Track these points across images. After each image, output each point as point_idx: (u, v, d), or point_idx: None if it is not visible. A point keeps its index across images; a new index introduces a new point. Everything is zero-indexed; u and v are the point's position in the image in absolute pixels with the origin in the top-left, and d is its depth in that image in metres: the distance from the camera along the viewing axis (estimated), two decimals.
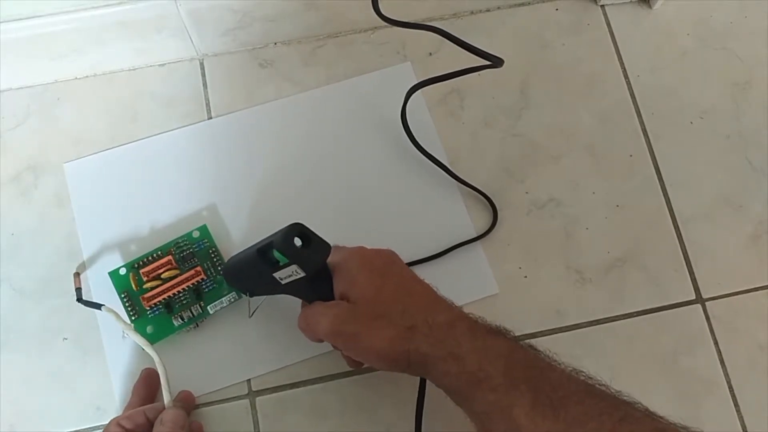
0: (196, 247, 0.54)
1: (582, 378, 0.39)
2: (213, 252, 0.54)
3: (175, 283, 0.52)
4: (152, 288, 0.52)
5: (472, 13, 0.64)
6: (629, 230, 0.57)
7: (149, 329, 0.52)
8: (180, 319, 0.52)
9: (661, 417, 0.37)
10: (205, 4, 0.56)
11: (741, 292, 0.56)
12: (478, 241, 0.56)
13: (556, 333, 0.54)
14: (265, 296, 0.52)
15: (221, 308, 0.53)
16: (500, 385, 0.37)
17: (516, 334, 0.53)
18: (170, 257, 0.53)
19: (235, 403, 0.52)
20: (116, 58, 0.60)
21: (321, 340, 0.46)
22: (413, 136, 0.56)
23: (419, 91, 0.55)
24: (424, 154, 0.56)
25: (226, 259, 0.54)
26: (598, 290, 0.55)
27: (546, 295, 0.55)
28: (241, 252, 0.50)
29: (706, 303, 0.55)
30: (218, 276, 0.53)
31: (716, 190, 0.59)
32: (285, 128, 0.59)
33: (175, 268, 0.53)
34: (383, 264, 0.45)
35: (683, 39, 0.63)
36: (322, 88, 0.61)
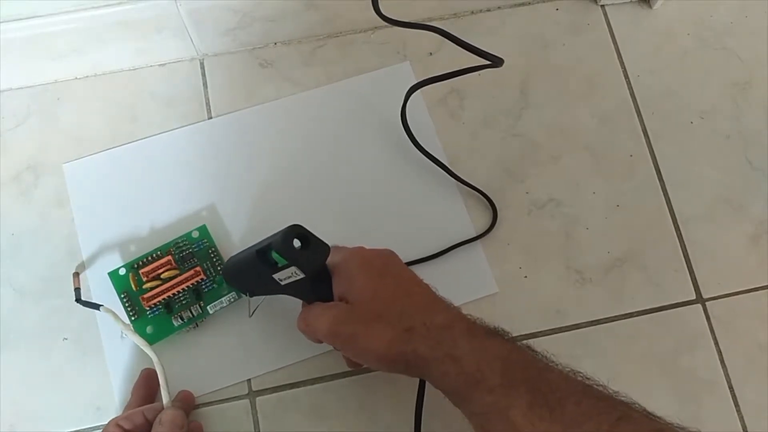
0: (195, 247, 0.54)
1: (580, 378, 0.39)
2: (212, 252, 0.54)
3: (175, 284, 0.52)
4: (152, 288, 0.52)
5: (472, 13, 0.64)
6: (629, 230, 0.57)
7: (149, 329, 0.52)
8: (180, 319, 0.52)
9: (658, 417, 0.37)
10: (205, 4, 0.56)
11: (741, 292, 0.56)
12: (478, 241, 0.56)
13: (556, 333, 0.54)
14: (265, 296, 0.52)
15: (221, 308, 0.53)
16: (498, 387, 0.37)
17: (516, 334, 0.53)
18: (170, 257, 0.53)
19: (235, 403, 0.52)
20: (116, 58, 0.60)
21: (321, 341, 0.46)
22: (413, 136, 0.56)
23: (419, 91, 0.55)
24: (423, 154, 0.56)
25: (225, 259, 0.54)
26: (598, 290, 0.55)
27: (546, 295, 0.55)
28: (241, 252, 0.50)
29: (706, 303, 0.55)
30: (218, 276, 0.53)
31: (716, 190, 0.59)
32: (285, 128, 0.59)
33: (174, 269, 0.53)
34: (382, 264, 0.45)
35: (683, 39, 0.63)
36: (322, 88, 0.61)
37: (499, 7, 0.64)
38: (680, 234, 0.57)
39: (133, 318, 0.52)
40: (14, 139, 0.59)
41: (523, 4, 0.64)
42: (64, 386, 0.52)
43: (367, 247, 0.47)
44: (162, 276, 0.52)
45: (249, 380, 0.53)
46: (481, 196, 0.57)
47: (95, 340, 0.53)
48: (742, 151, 0.60)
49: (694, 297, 0.56)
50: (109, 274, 0.53)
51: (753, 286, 0.56)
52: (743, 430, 0.52)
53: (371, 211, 0.57)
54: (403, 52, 0.62)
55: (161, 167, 0.58)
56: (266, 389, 0.53)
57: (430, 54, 0.62)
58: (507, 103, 0.61)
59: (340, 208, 0.57)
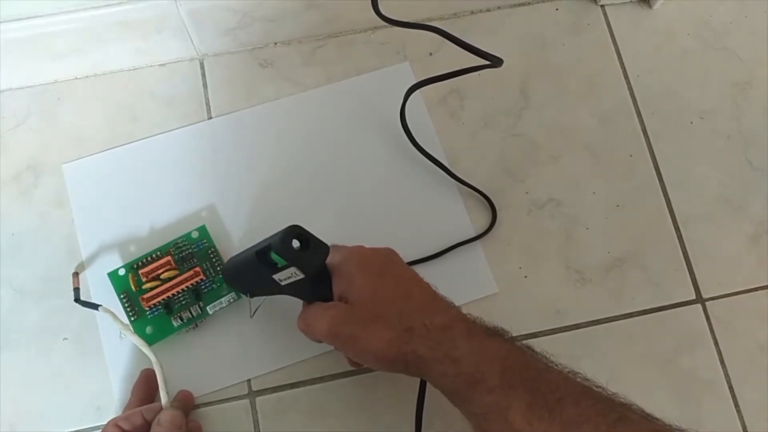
0: (195, 248, 0.54)
1: (579, 379, 0.39)
2: (212, 252, 0.54)
3: (175, 284, 0.52)
4: (151, 288, 0.52)
5: (472, 13, 0.64)
6: (629, 230, 0.57)
7: (149, 330, 0.52)
8: (179, 320, 0.52)
9: (657, 419, 0.37)
10: (205, 4, 0.56)
11: (741, 292, 0.56)
12: (478, 241, 0.56)
13: (556, 333, 0.54)
14: (265, 297, 0.52)
15: (220, 308, 0.53)
16: (496, 387, 0.37)
17: (516, 334, 0.53)
18: (169, 258, 0.53)
19: (235, 403, 0.52)
20: (116, 58, 0.60)
21: (321, 341, 0.46)
22: (412, 136, 0.56)
23: (418, 91, 0.55)
24: (423, 154, 0.56)
25: (225, 260, 0.54)
26: (598, 290, 0.55)
27: (546, 295, 0.55)
28: (240, 253, 0.50)
29: (706, 303, 0.55)
30: (217, 276, 0.53)
31: (716, 190, 0.59)
32: (285, 128, 0.59)
33: (174, 269, 0.52)
34: (381, 264, 0.45)
35: (683, 39, 0.63)
36: (322, 88, 0.61)
37: (499, 7, 0.64)
38: (680, 234, 0.57)
39: (132, 318, 0.52)
40: (14, 139, 0.59)
41: (523, 4, 0.64)
42: (64, 386, 0.52)
43: (367, 246, 0.47)
44: (161, 276, 0.52)
45: (249, 380, 0.53)
46: (480, 196, 0.57)
47: (95, 340, 0.53)
48: (742, 151, 0.60)
49: (694, 297, 0.56)
50: (108, 274, 0.53)
51: (753, 286, 0.56)
52: (743, 430, 0.52)
53: (371, 211, 0.57)
54: (403, 53, 0.62)
55: (161, 167, 0.58)
56: (266, 389, 0.53)
57: (430, 54, 0.62)
58: (507, 103, 0.61)
59: (340, 208, 0.57)
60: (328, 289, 0.45)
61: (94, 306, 0.51)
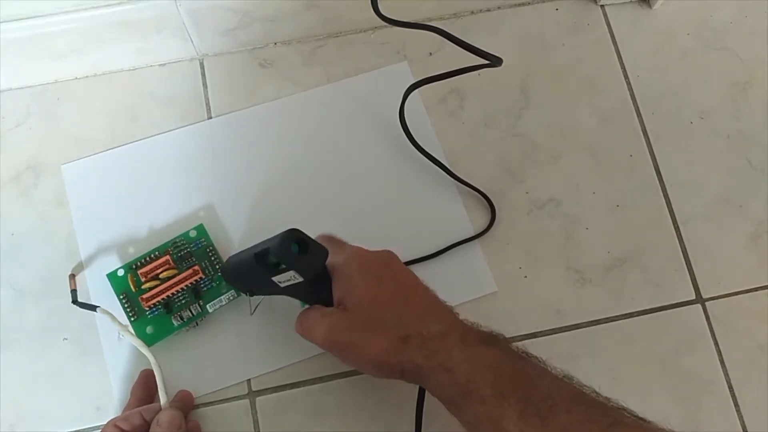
0: (193, 247, 0.54)
1: (573, 385, 0.39)
2: (210, 251, 0.54)
3: (174, 283, 0.52)
4: (151, 288, 0.51)
5: (472, 13, 0.64)
6: (629, 230, 0.57)
7: (149, 330, 0.52)
8: (179, 319, 0.52)
9: (650, 422, 0.38)
10: (205, 4, 0.56)
11: (741, 292, 0.56)
12: (477, 240, 0.56)
13: (556, 333, 0.54)
14: (264, 296, 0.52)
15: (220, 306, 0.53)
16: (489, 396, 0.38)
17: (515, 334, 0.53)
18: (168, 257, 0.53)
19: (235, 403, 0.52)
20: (116, 58, 0.60)
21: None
22: (411, 135, 0.56)
23: (417, 91, 0.55)
24: (422, 153, 0.56)
25: (223, 258, 0.54)
26: (598, 290, 0.55)
27: (546, 295, 0.55)
28: (240, 252, 0.50)
29: (706, 303, 0.55)
30: (216, 275, 0.53)
31: (716, 190, 0.59)
32: (285, 128, 0.59)
33: (173, 268, 0.52)
34: (381, 267, 0.45)
35: (683, 39, 0.63)
36: (321, 88, 0.61)
37: (499, 7, 0.64)
38: (680, 234, 0.57)
39: (132, 319, 0.52)
40: (14, 139, 0.59)
41: (523, 4, 0.64)
42: (64, 386, 0.52)
43: (367, 247, 0.47)
44: (160, 276, 0.52)
45: (249, 380, 0.53)
46: (480, 195, 0.57)
47: (95, 340, 0.53)
48: (742, 151, 0.60)
49: (693, 297, 0.56)
50: (107, 275, 0.53)
51: (753, 286, 0.56)
52: (743, 430, 0.52)
53: (370, 210, 0.57)
54: (403, 53, 0.62)
55: (160, 167, 0.58)
56: (266, 389, 0.53)
57: (430, 54, 0.62)
58: (507, 103, 0.61)
59: (339, 207, 0.57)
60: (328, 291, 0.45)
61: (92, 307, 0.51)
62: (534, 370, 0.40)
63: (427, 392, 0.47)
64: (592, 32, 0.63)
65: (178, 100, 0.60)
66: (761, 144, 0.60)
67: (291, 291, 0.46)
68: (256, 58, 0.62)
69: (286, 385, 0.53)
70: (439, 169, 0.57)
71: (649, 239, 0.57)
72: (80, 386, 0.52)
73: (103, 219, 0.56)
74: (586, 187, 0.58)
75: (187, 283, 0.52)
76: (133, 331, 0.51)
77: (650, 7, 0.64)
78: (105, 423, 0.46)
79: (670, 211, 0.58)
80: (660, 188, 0.59)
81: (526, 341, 0.53)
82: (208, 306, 0.52)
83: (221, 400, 0.52)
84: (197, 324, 0.53)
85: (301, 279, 0.43)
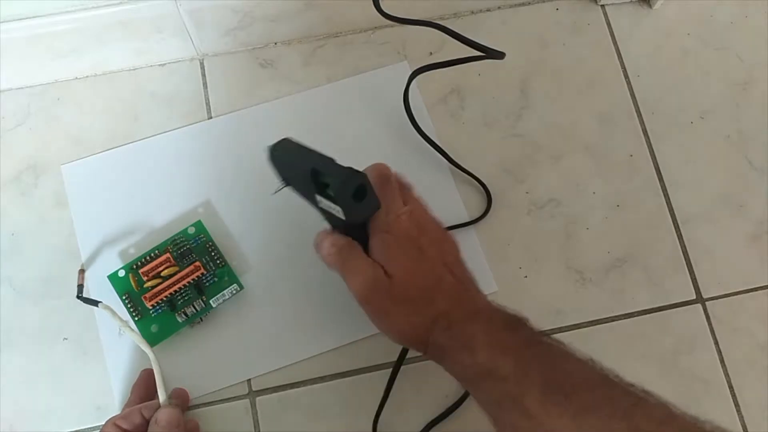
0: (193, 243, 0.54)
1: (596, 368, 0.39)
2: (210, 246, 0.54)
3: (176, 280, 0.52)
4: (153, 287, 0.52)
5: (472, 12, 0.64)
6: (629, 230, 0.57)
7: (154, 328, 0.52)
8: (184, 315, 0.52)
9: (675, 405, 0.38)
10: (205, 4, 0.56)
11: (741, 292, 0.56)
12: (476, 240, 0.56)
13: (556, 333, 0.54)
14: (287, 187, 0.49)
15: (224, 301, 0.53)
16: (510, 375, 0.38)
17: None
18: (168, 255, 0.53)
19: (235, 403, 0.52)
20: (116, 58, 0.60)
21: (333, 268, 0.45)
22: (415, 121, 0.56)
23: (418, 91, 0.55)
24: (425, 139, 0.57)
25: (224, 253, 0.54)
26: (598, 290, 0.55)
27: (546, 295, 0.55)
28: (300, 147, 0.47)
29: (706, 303, 0.55)
30: (218, 270, 0.53)
31: (716, 190, 0.59)
32: (285, 128, 0.59)
33: (174, 266, 0.53)
34: (430, 241, 0.44)
35: (683, 39, 0.63)
36: (320, 88, 0.61)
37: (499, 7, 0.64)
38: (680, 234, 0.57)
39: (136, 318, 0.52)
40: (14, 139, 0.59)
41: (523, 4, 0.64)
42: (64, 386, 0.52)
43: (423, 207, 0.46)
44: (162, 274, 0.52)
45: (249, 380, 0.53)
46: (480, 186, 0.57)
47: (95, 340, 0.53)
48: (742, 151, 0.60)
49: (694, 297, 0.56)
50: (108, 277, 0.53)
51: (753, 286, 0.56)
52: (743, 430, 0.52)
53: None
54: (404, 52, 0.62)
55: (160, 167, 0.58)
56: (266, 389, 0.53)
57: (431, 54, 0.62)
58: (507, 103, 0.61)
59: None
60: (362, 235, 0.45)
61: (95, 303, 0.50)
62: (557, 352, 0.40)
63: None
64: (593, 32, 0.63)
65: (178, 100, 0.60)
66: (761, 144, 0.60)
67: (325, 215, 0.46)
68: (256, 58, 0.62)
69: (286, 385, 0.53)
70: (440, 166, 0.57)
71: (649, 239, 0.57)
72: (80, 386, 0.52)
73: (103, 219, 0.56)
74: (586, 187, 0.58)
75: (189, 279, 0.52)
76: (134, 327, 0.51)
77: (650, 7, 0.64)
78: (105, 422, 0.46)
79: (670, 211, 0.58)
80: (660, 188, 0.59)
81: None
82: (211, 301, 0.52)
83: (221, 400, 0.52)
84: (201, 320, 0.53)
85: (342, 218, 0.43)
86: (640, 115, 0.61)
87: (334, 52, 0.62)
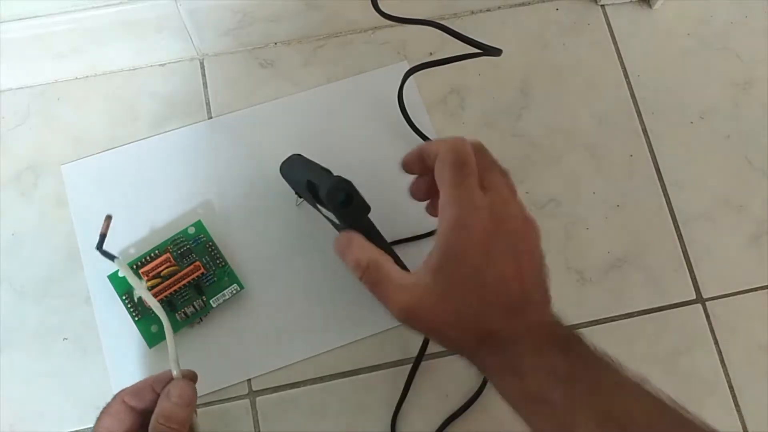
0: (192, 243, 0.54)
1: (650, 394, 0.37)
2: (210, 246, 0.54)
3: (176, 280, 0.52)
4: (153, 287, 0.52)
5: (472, 12, 0.64)
6: (629, 230, 0.57)
7: (154, 329, 0.52)
8: (184, 315, 0.52)
9: None
10: (205, 4, 0.56)
11: (741, 292, 0.56)
12: None
13: None
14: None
15: (224, 301, 0.53)
16: (561, 406, 0.35)
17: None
18: (168, 254, 0.53)
19: (235, 403, 0.52)
20: (116, 58, 0.60)
21: (356, 272, 0.40)
22: (410, 119, 0.56)
23: (417, 91, 0.55)
24: (423, 139, 0.57)
25: (224, 253, 0.54)
26: (598, 290, 0.55)
27: None
28: (307, 160, 0.52)
29: (706, 303, 0.55)
30: (218, 270, 0.53)
31: (716, 190, 0.59)
32: (285, 128, 0.59)
33: (174, 266, 0.52)
34: (504, 238, 0.38)
35: (683, 39, 0.63)
36: (320, 88, 0.61)
37: (499, 7, 0.64)
38: (680, 234, 0.57)
39: (136, 318, 0.52)
40: (14, 139, 0.59)
41: (523, 4, 0.64)
42: (64, 386, 0.52)
43: (518, 202, 0.40)
44: (162, 274, 0.52)
45: (249, 380, 0.53)
46: None
47: (95, 340, 0.53)
48: (742, 151, 0.60)
49: (694, 297, 0.56)
50: (108, 277, 0.53)
51: (753, 286, 0.56)
52: (743, 430, 0.52)
53: (371, 212, 0.57)
54: (404, 52, 0.62)
55: (160, 167, 0.58)
56: (266, 389, 0.52)
57: (430, 54, 0.62)
58: (507, 103, 0.61)
59: None
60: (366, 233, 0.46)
61: (111, 257, 0.49)
62: (611, 378, 0.37)
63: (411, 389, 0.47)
64: (593, 32, 0.63)
65: (178, 100, 0.60)
66: (761, 144, 0.60)
67: (330, 221, 0.48)
68: (256, 58, 0.62)
69: (286, 385, 0.53)
70: None
71: (649, 239, 0.57)
72: (80, 386, 0.52)
73: (103, 219, 0.56)
74: (586, 187, 0.58)
75: (189, 279, 0.52)
76: (147, 294, 0.49)
77: (650, 7, 0.64)
78: (113, 397, 0.43)
79: (670, 211, 0.58)
80: (660, 188, 0.59)
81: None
82: (211, 301, 0.52)
83: (221, 400, 0.52)
84: (201, 320, 0.53)
85: (338, 222, 0.46)
86: (640, 115, 0.61)
87: (334, 52, 0.62)
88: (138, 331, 0.52)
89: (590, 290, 0.55)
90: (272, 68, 0.61)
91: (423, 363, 0.52)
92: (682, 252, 0.57)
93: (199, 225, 0.55)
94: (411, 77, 0.55)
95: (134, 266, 0.53)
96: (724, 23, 0.64)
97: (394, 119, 0.57)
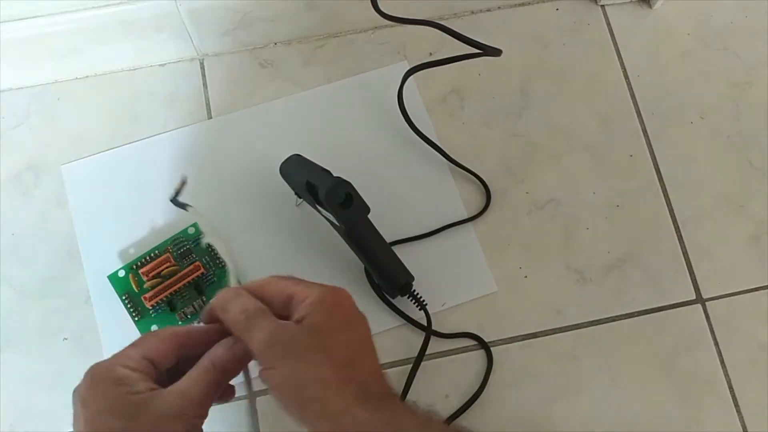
0: (192, 243, 0.54)
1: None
2: (210, 246, 0.54)
3: (176, 280, 0.52)
4: (153, 287, 0.52)
5: (472, 12, 0.64)
6: (629, 230, 0.57)
7: (153, 328, 0.52)
8: (183, 316, 0.52)
9: None
10: (205, 4, 0.56)
11: (741, 292, 0.56)
12: (476, 241, 0.56)
13: (556, 333, 0.54)
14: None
15: None
16: None
17: (516, 334, 0.53)
18: (168, 254, 0.53)
19: (235, 403, 0.52)
20: (116, 58, 0.60)
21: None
22: (410, 119, 0.56)
23: (417, 92, 0.55)
24: (422, 138, 0.57)
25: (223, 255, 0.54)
26: (598, 290, 0.55)
27: (546, 295, 0.55)
28: (306, 161, 0.53)
29: (706, 303, 0.55)
30: (218, 270, 0.53)
31: (716, 190, 0.59)
32: (285, 128, 0.59)
33: (174, 266, 0.52)
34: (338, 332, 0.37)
35: (683, 39, 0.63)
36: (320, 88, 0.61)
37: (499, 7, 0.64)
38: (680, 234, 0.57)
39: (136, 319, 0.52)
40: (14, 139, 0.59)
41: (523, 4, 0.64)
42: (64, 386, 0.52)
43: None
44: (162, 273, 0.52)
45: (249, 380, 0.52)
46: (479, 183, 0.57)
47: (95, 340, 0.53)
48: (742, 151, 0.60)
49: (694, 297, 0.56)
50: (108, 277, 0.53)
51: (753, 286, 0.56)
52: (743, 430, 0.52)
53: (371, 211, 0.57)
54: (403, 52, 0.62)
55: (160, 167, 0.58)
56: (266, 389, 0.52)
57: (430, 54, 0.62)
58: (507, 103, 0.61)
59: None
60: (358, 239, 0.50)
61: (184, 206, 0.52)
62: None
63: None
64: (593, 32, 0.63)
65: (178, 100, 0.60)
66: (761, 144, 0.60)
67: (330, 221, 0.49)
68: (256, 58, 0.62)
69: None
70: (440, 165, 0.57)
71: (649, 239, 0.57)
72: None
73: (103, 219, 0.56)
74: (586, 187, 0.58)
75: (188, 279, 0.52)
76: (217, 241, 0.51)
77: (650, 7, 0.64)
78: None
79: (670, 211, 0.58)
80: (660, 188, 0.59)
81: (526, 341, 0.53)
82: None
83: (221, 400, 0.52)
84: (200, 321, 0.53)
85: (337, 223, 0.47)
86: (640, 115, 0.61)
87: (334, 52, 0.62)
88: (138, 331, 0.52)
89: (590, 290, 0.55)
90: (272, 68, 0.61)
91: (423, 363, 0.52)
92: (682, 252, 0.57)
93: (198, 225, 0.55)
94: (411, 77, 0.55)
95: (134, 266, 0.53)
96: (724, 23, 0.64)
97: (394, 119, 0.57)
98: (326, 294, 0.38)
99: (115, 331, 0.53)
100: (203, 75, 0.61)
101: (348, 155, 0.58)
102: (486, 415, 0.51)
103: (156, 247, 0.54)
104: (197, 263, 0.53)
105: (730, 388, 0.53)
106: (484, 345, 0.53)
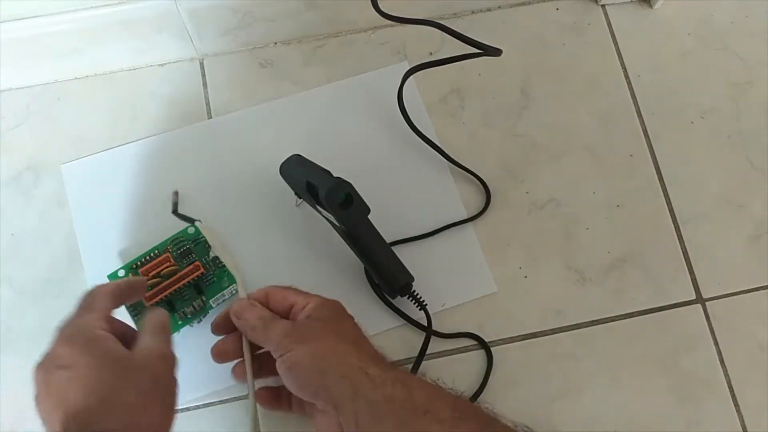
0: (192, 243, 0.54)
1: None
2: (209, 247, 0.54)
3: (175, 280, 0.52)
4: (153, 287, 0.51)
5: (472, 12, 0.64)
6: (629, 230, 0.57)
7: None
8: (183, 315, 0.52)
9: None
10: (205, 4, 0.56)
11: (741, 292, 0.56)
12: (475, 237, 0.56)
13: (556, 333, 0.54)
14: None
15: (223, 301, 0.53)
16: (448, 418, 0.37)
17: (515, 334, 0.53)
18: (168, 254, 0.53)
19: (235, 403, 0.52)
20: (116, 58, 0.60)
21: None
22: (410, 119, 0.56)
23: (417, 92, 0.55)
24: (422, 138, 0.57)
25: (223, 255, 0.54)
26: (598, 290, 0.55)
27: (546, 295, 0.55)
28: (305, 160, 0.53)
29: (706, 303, 0.55)
30: (218, 270, 0.53)
31: (716, 190, 0.59)
32: (285, 128, 0.59)
33: (174, 265, 0.52)
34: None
35: (683, 39, 0.63)
36: (321, 88, 0.61)
37: (499, 7, 0.64)
38: (680, 234, 0.57)
39: (136, 319, 0.52)
40: (14, 139, 0.59)
41: (523, 4, 0.64)
42: None
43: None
44: (162, 273, 0.52)
45: None
46: (479, 183, 0.57)
47: None
48: (742, 151, 0.60)
49: (694, 297, 0.56)
50: (108, 276, 0.53)
51: (753, 286, 0.56)
52: (743, 430, 0.52)
53: (371, 213, 0.57)
54: (403, 52, 0.62)
55: (160, 167, 0.58)
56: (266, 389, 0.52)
57: (430, 54, 0.62)
58: (507, 103, 0.61)
59: None
60: (359, 239, 0.50)
61: (191, 220, 0.53)
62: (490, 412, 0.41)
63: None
64: (593, 32, 0.63)
65: (178, 100, 0.60)
66: (761, 144, 0.60)
67: (330, 221, 0.50)
68: (256, 58, 0.62)
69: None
70: (440, 165, 0.57)
71: (649, 239, 0.57)
72: None
73: (103, 218, 0.56)
74: (586, 187, 0.58)
75: (188, 279, 0.52)
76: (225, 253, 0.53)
77: (651, 6, 0.64)
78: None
79: (670, 211, 0.58)
80: (660, 188, 0.59)
81: (526, 341, 0.53)
82: (211, 301, 0.52)
83: (221, 401, 0.52)
84: (201, 320, 0.53)
85: (337, 224, 0.48)
86: (640, 115, 0.61)
87: (334, 52, 0.62)
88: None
89: (590, 290, 0.55)
90: (272, 68, 0.61)
91: (423, 363, 0.52)
92: (682, 252, 0.57)
93: (207, 239, 0.55)
94: (411, 77, 0.55)
95: (134, 266, 0.53)
96: (724, 23, 0.64)
97: (394, 119, 0.57)
98: (325, 300, 0.45)
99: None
100: (203, 75, 0.61)
101: (348, 155, 0.58)
102: None
103: (156, 247, 0.54)
104: (197, 263, 0.53)
105: (730, 388, 0.53)
106: (484, 345, 0.53)
